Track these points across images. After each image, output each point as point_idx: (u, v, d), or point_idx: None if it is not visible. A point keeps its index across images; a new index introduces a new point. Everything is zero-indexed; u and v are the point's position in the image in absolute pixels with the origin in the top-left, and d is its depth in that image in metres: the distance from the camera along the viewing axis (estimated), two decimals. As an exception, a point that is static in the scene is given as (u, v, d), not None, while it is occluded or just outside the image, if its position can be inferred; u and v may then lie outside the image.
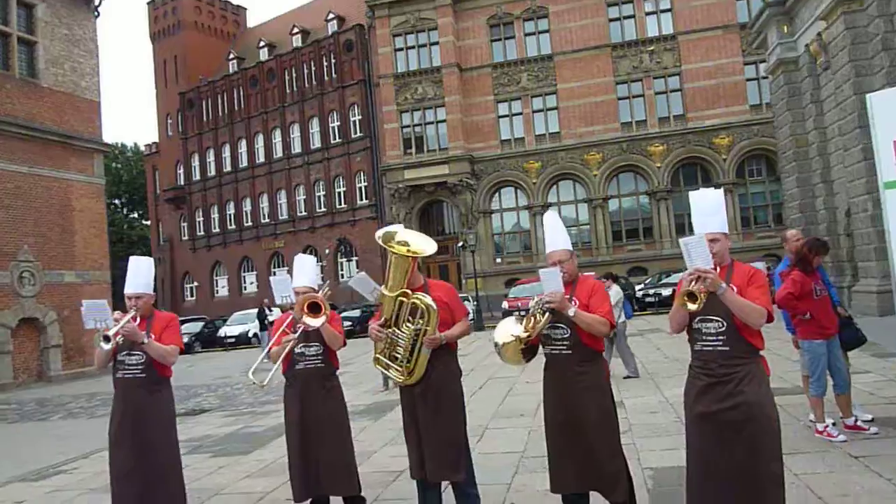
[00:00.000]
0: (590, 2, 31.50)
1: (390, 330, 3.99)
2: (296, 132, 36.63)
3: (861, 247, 13.45)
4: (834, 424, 5.26)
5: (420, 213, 33.33)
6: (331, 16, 36.64)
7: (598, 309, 3.58)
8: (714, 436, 3.13)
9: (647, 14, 31.17)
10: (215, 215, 39.90)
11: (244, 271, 39.26)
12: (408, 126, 32.91)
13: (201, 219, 40.52)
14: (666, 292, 22.45)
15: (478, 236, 30.81)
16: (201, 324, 26.95)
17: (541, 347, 3.83)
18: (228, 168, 39.24)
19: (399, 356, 3.98)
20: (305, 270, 4.45)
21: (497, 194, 32.88)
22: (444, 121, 32.20)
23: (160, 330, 4.05)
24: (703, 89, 30.17)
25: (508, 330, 3.86)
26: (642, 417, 6.65)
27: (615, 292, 9.13)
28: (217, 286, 40.25)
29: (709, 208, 3.40)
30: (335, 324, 4.32)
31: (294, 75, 36.29)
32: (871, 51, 12.79)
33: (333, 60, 34.97)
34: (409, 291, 3.95)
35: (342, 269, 35.54)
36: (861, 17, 12.90)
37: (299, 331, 4.23)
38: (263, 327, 11.51)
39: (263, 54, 39.07)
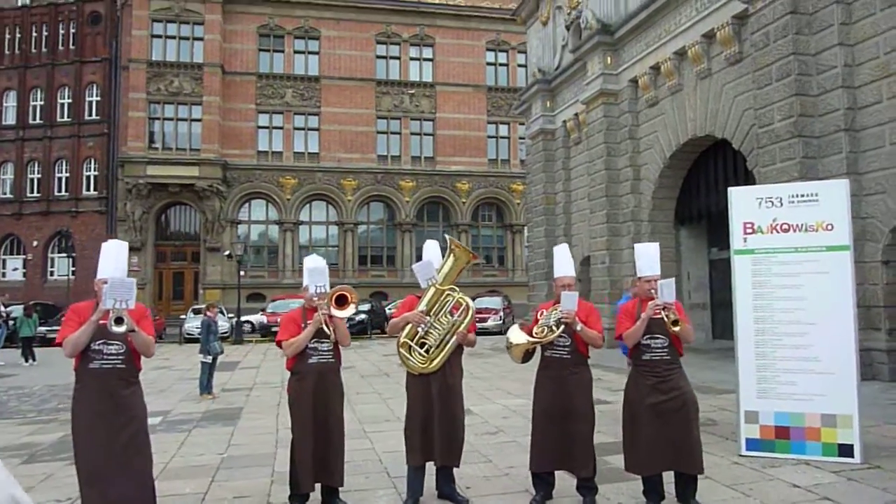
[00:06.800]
0: (360, 35, 33.02)
1: (431, 318, 4.54)
2: (10, 100, 31.37)
3: (597, 291, 16.61)
4: None
5: (158, 213, 30.94)
6: (73, -21, 32.38)
7: (595, 327, 4.65)
8: (661, 417, 4.43)
9: (412, 59, 33.73)
10: None
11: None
12: (157, 118, 30.51)
13: None
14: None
15: (223, 246, 29.75)
16: None
17: (538, 350, 4.74)
18: None
19: (429, 343, 4.54)
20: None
21: (248, 205, 32.10)
22: (199, 120, 30.57)
23: (137, 319, 3.78)
24: (452, 138, 33.54)
25: (520, 334, 4.72)
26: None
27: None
28: None
29: (656, 257, 4.71)
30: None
31: (17, 35, 31.19)
32: (619, 137, 16.12)
33: (73, 30, 30.96)
34: (456, 288, 4.61)
35: (53, 266, 31.11)
36: (615, 109, 16.20)
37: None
38: None
39: (-26, 1, 32.85)
